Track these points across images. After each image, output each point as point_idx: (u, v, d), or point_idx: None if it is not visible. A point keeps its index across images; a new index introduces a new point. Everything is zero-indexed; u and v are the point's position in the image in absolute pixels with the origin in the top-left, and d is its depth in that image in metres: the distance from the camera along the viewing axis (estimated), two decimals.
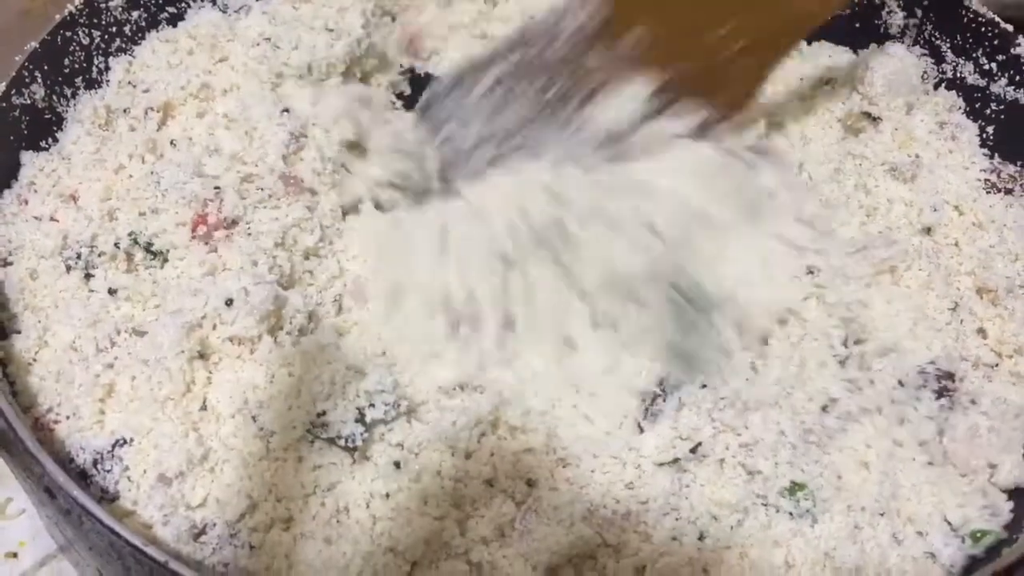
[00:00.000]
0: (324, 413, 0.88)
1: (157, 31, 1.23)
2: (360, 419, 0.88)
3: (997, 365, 1.02)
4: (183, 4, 1.27)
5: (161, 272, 0.99)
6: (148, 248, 0.99)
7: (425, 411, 0.93)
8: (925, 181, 1.15)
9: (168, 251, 0.99)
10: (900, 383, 0.97)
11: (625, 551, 0.86)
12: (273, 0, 1.25)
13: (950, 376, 0.98)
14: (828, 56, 1.33)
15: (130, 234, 0.99)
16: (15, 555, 1.08)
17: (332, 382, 0.90)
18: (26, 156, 1.08)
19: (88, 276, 0.98)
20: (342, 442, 0.87)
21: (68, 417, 0.89)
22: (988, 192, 1.15)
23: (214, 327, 0.93)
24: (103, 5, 1.20)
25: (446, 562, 0.84)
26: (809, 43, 1.34)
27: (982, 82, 1.23)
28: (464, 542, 0.85)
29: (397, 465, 0.88)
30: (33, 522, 1.08)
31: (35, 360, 0.94)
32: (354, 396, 0.90)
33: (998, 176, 1.16)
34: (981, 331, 1.03)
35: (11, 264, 1.00)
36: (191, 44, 1.19)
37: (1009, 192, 1.15)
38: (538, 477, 0.88)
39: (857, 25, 1.35)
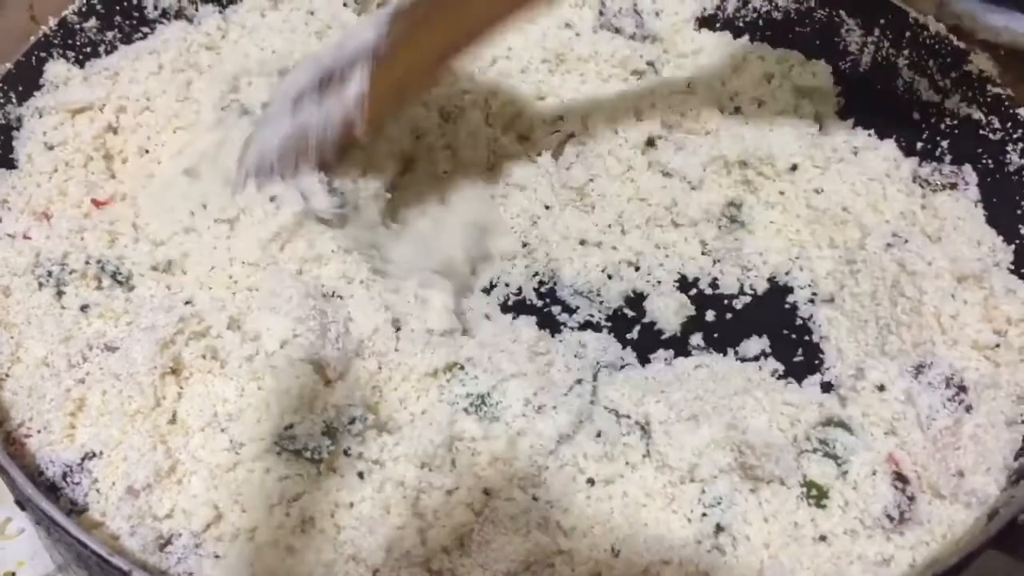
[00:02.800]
0: (292, 426, 0.90)
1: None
2: (327, 432, 0.91)
3: (998, 346, 1.03)
4: (155, 24, 1.29)
5: (133, 292, 1.01)
6: (115, 276, 1.02)
7: (393, 425, 0.96)
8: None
9: (133, 275, 1.02)
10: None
11: (578, 558, 0.88)
12: (240, 9, 1.29)
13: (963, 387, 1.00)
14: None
15: (98, 261, 1.02)
16: (14, 574, 1.10)
17: (300, 396, 0.91)
18: (4, 173, 1.10)
19: (60, 293, 1.00)
20: (308, 454, 0.89)
21: (39, 431, 0.91)
22: (935, 191, 1.19)
23: (187, 343, 0.95)
24: (77, 27, 1.22)
25: (407, 570, 0.86)
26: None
27: (936, 98, 1.26)
28: (425, 551, 0.87)
29: (361, 476, 0.90)
30: (32, 542, 1.09)
31: (7, 375, 0.96)
32: (321, 409, 0.92)
33: (941, 173, 1.21)
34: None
35: None
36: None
37: (953, 187, 1.19)
38: (494, 487, 0.91)
39: (818, 43, 1.38)
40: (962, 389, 0.99)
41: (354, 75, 1.03)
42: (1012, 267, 1.12)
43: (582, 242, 1.22)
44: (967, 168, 1.21)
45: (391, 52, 1.03)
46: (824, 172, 1.23)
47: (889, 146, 1.26)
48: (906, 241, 1.12)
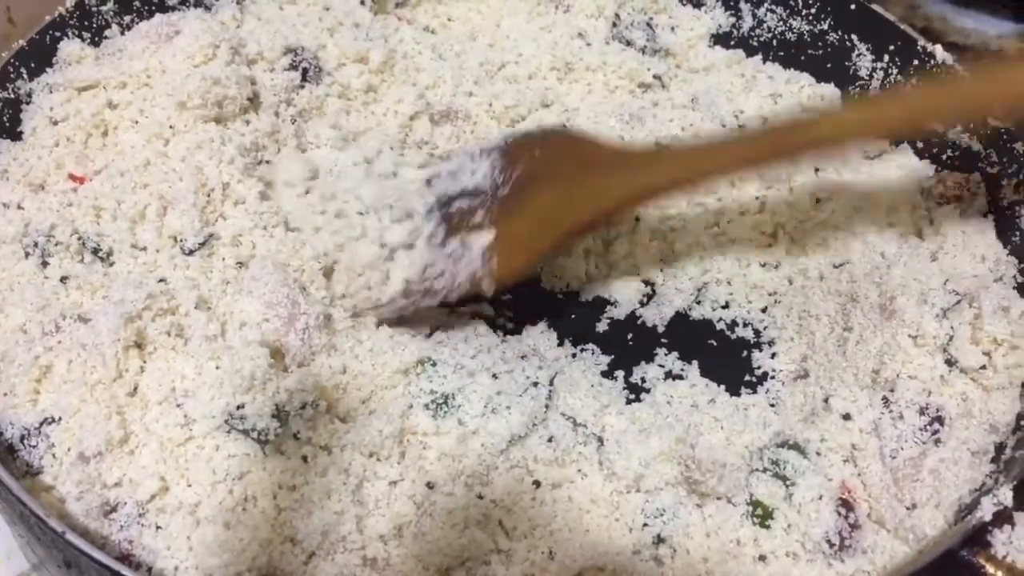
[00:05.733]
0: (243, 406, 0.91)
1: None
2: (276, 414, 0.92)
3: (984, 367, 1.02)
4: (173, 10, 1.32)
5: (112, 267, 1.04)
6: (96, 251, 1.04)
7: (346, 413, 0.98)
8: None
9: (114, 252, 1.04)
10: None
11: (515, 558, 0.89)
12: (260, 0, 1.32)
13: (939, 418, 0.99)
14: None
15: (80, 236, 1.05)
16: None
17: (253, 377, 0.93)
18: (3, 144, 1.14)
19: (44, 264, 1.03)
20: (255, 435, 0.91)
21: (5, 394, 0.94)
22: (939, 204, 1.18)
23: (153, 319, 0.97)
24: (94, 9, 1.26)
25: (342, 555, 0.88)
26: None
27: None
28: (361, 538, 0.88)
29: (305, 459, 0.92)
30: (7, 542, 1.10)
31: None
32: (273, 392, 0.93)
33: (944, 185, 1.19)
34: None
35: None
36: None
37: (958, 199, 1.17)
38: (437, 481, 0.92)
39: (828, 66, 1.38)
40: (938, 420, 0.98)
41: (478, 220, 1.06)
42: (1017, 280, 1.10)
43: None
44: (975, 177, 1.19)
45: (515, 206, 1.07)
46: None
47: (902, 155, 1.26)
48: (902, 260, 1.11)
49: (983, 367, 1.01)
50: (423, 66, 1.33)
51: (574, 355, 1.12)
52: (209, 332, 0.97)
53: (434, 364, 1.01)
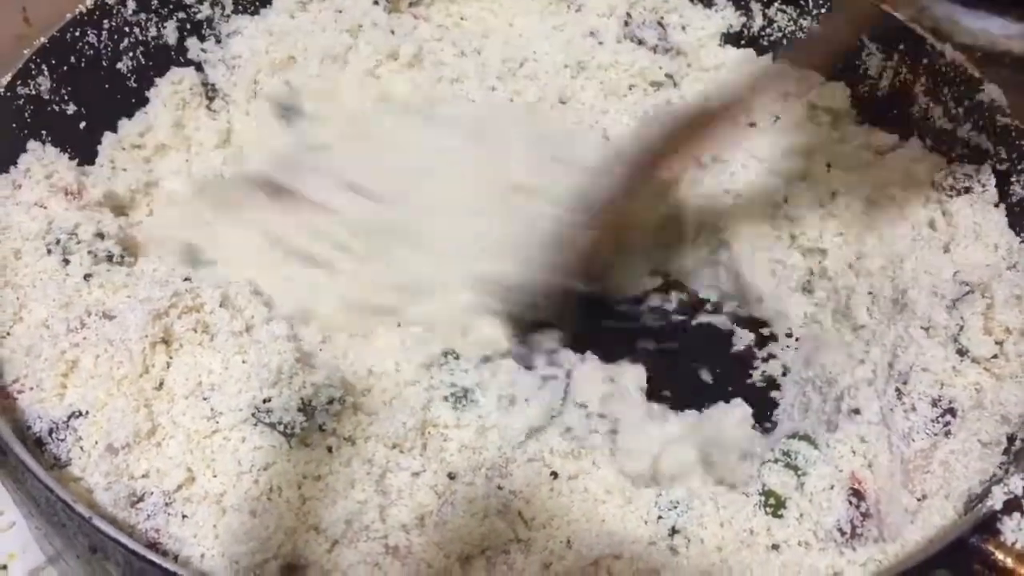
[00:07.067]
0: (269, 400, 0.93)
1: None
2: (303, 408, 0.94)
3: (995, 356, 1.03)
4: (189, 7, 1.34)
5: (135, 267, 1.06)
6: (110, 258, 1.07)
7: (369, 406, 0.99)
8: None
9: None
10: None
11: (534, 547, 0.90)
12: (270, 14, 1.34)
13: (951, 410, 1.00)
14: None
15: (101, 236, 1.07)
16: (5, 567, 1.12)
17: (280, 371, 0.95)
18: (31, 144, 1.16)
19: (65, 261, 1.05)
20: (282, 428, 0.92)
21: (31, 388, 0.95)
22: (951, 196, 1.18)
23: (179, 317, 0.99)
24: (114, 9, 1.27)
25: (365, 543, 0.89)
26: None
27: (949, 126, 1.26)
28: (384, 527, 0.90)
29: (329, 450, 0.94)
30: (23, 534, 1.12)
31: (9, 334, 1.00)
32: (300, 387, 0.95)
33: (955, 177, 1.19)
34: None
35: None
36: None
37: (968, 191, 1.18)
38: (459, 471, 0.93)
39: (839, 64, 1.39)
40: (950, 412, 0.99)
41: None
42: None
43: None
44: (985, 169, 1.20)
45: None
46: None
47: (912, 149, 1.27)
48: (915, 253, 1.13)
49: (995, 356, 1.02)
50: (446, 61, 1.35)
51: (590, 351, 1.13)
52: (235, 328, 0.99)
53: (457, 357, 1.04)
